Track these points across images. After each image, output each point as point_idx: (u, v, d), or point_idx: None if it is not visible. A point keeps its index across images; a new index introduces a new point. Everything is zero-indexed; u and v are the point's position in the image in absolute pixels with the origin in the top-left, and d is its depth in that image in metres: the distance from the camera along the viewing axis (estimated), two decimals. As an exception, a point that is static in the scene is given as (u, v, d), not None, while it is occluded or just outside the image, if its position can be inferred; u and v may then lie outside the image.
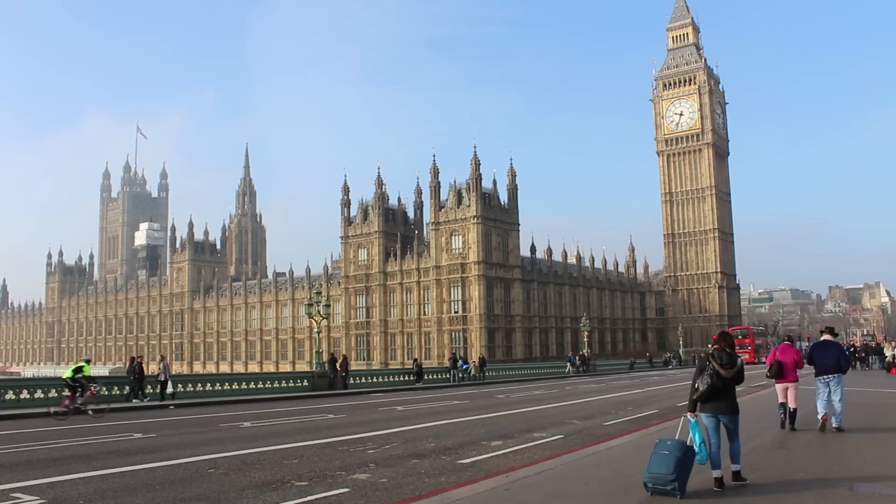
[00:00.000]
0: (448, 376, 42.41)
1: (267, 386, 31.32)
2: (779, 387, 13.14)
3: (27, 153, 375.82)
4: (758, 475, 8.49)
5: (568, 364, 57.50)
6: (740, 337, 71.03)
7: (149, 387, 26.08)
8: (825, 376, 12.53)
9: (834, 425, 12.42)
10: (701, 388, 7.80)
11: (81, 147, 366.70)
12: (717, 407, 7.86)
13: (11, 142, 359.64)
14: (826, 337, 13.08)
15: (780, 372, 12.86)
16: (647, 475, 7.46)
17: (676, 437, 7.73)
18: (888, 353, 39.96)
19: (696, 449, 7.55)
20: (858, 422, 13.76)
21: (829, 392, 12.48)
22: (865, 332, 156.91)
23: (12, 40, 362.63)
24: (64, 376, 21.59)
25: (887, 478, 8.65)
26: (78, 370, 21.06)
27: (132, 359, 27.02)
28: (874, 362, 43.00)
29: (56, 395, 22.64)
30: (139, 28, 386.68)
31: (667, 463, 7.32)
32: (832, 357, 12.51)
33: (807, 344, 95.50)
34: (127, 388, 25.32)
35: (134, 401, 24.54)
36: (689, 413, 7.93)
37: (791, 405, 12.84)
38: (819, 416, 12.57)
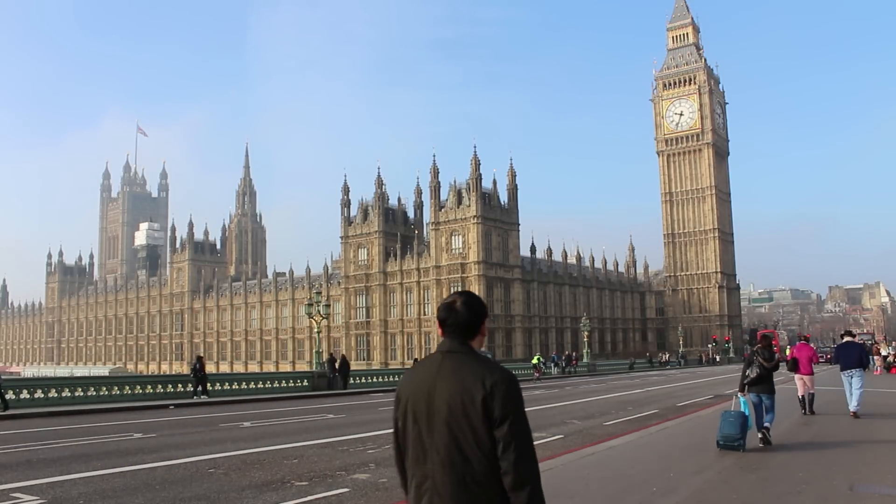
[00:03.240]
0: None
1: (267, 386, 31.31)
2: (797, 380, 15.36)
3: (27, 156, 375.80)
4: (791, 441, 11.67)
5: (552, 365, 54.23)
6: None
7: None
8: (849, 371, 14.68)
9: (852, 409, 14.50)
10: (752, 375, 11.09)
11: (82, 149, 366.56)
12: (761, 389, 11.11)
13: (14, 145, 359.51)
14: (848, 339, 15.58)
15: (796, 366, 15.14)
16: (720, 435, 10.21)
17: (732, 409, 10.50)
18: (885, 352, 40.30)
19: (747, 416, 10.45)
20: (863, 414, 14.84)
21: (852, 385, 14.61)
22: (864, 332, 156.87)
23: (29, 50, 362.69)
24: (532, 363, 48.49)
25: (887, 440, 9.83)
26: (538, 360, 47.93)
27: (198, 357, 29.22)
28: (873, 363, 43.02)
29: (55, 395, 22.80)
30: (139, 30, 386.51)
31: (734, 427, 10.09)
32: (855, 355, 14.82)
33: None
34: (190, 385, 27.07)
35: (203, 397, 26.02)
36: (739, 392, 11.14)
37: (808, 393, 15.22)
38: (851, 408, 14.61)
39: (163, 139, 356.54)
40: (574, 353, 62.40)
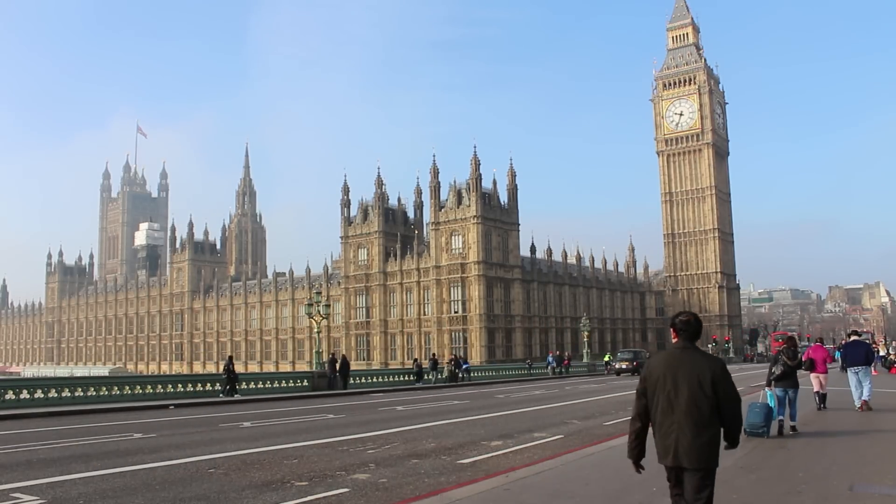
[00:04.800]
0: (441, 376, 41.71)
1: (267, 386, 31.33)
2: (813, 378, 16.42)
3: (28, 157, 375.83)
4: (807, 429, 12.99)
5: (548, 365, 54.04)
6: (781, 340, 73.74)
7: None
8: (856, 367, 16.26)
9: (865, 398, 16.03)
10: (777, 372, 12.78)
11: (83, 150, 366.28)
12: (786, 384, 12.74)
13: (17, 146, 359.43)
14: (855, 338, 17.49)
15: (812, 366, 16.16)
16: (746, 423, 11.06)
17: (759, 401, 11.95)
18: (882, 352, 40.69)
19: (772, 407, 11.97)
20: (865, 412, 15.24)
21: (859, 380, 16.14)
22: (864, 332, 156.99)
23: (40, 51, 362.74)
24: (605, 360, 60.79)
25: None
26: (609, 358, 57.24)
27: (230, 357, 30.25)
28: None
29: (55, 395, 22.84)
30: (138, 31, 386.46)
31: (759, 416, 11.49)
32: (861, 353, 16.47)
33: (806, 343, 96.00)
34: (218, 384, 28.40)
35: (235, 396, 27.27)
36: (766, 387, 12.62)
37: (822, 391, 16.49)
38: (857, 403, 16.19)
39: (162, 140, 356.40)
40: (567, 354, 61.63)
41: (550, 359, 55.79)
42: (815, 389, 16.71)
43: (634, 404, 4.93)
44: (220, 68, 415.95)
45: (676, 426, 4.59)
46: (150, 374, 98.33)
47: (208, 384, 28.65)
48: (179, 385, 27.94)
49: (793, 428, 12.52)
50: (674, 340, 4.88)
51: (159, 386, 27.34)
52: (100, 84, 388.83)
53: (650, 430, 4.92)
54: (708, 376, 4.56)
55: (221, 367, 30.14)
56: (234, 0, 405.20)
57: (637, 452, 4.92)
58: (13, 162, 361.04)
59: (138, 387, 26.30)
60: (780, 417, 12.32)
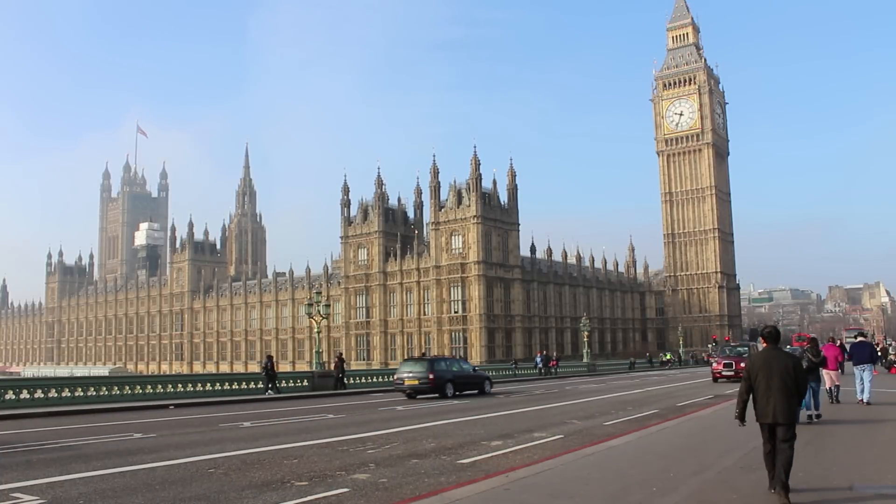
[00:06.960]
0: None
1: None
2: (825, 374, 17.50)
3: (29, 158, 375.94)
4: (809, 428, 13.51)
5: (536, 366, 52.48)
6: (801, 340, 75.93)
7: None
8: (861, 365, 17.74)
9: (866, 399, 17.39)
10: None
11: (84, 151, 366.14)
12: (810, 378, 13.44)
13: (16, 147, 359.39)
14: (860, 339, 19.43)
15: (825, 363, 17.17)
16: None
17: None
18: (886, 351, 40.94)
19: None
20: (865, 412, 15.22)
21: (863, 378, 17.53)
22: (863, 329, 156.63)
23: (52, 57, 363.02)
24: (666, 358, 78.21)
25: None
26: (669, 356, 78.17)
27: (268, 356, 31.32)
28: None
29: (55, 395, 22.87)
30: (141, 32, 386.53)
31: None
32: (866, 352, 18.04)
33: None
34: (218, 385, 29.17)
35: (268, 393, 28.45)
36: None
37: (834, 384, 17.96)
38: (858, 398, 17.49)
39: (163, 140, 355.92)
40: (555, 354, 60.52)
41: (538, 360, 54.78)
42: (828, 385, 18.05)
43: (742, 384, 7.39)
44: (222, 69, 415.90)
45: (773, 398, 7.04)
46: (150, 374, 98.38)
47: (208, 384, 28.61)
48: (179, 385, 27.91)
49: (817, 416, 14.49)
50: (763, 345, 7.33)
51: (159, 386, 27.31)
52: (106, 87, 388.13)
53: (750, 402, 7.31)
54: (791, 365, 7.12)
55: (211, 367, 30.63)
56: (234, 1, 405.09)
57: (741, 411, 7.41)
58: (16, 162, 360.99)
59: (138, 387, 26.27)
60: (813, 412, 14.34)
